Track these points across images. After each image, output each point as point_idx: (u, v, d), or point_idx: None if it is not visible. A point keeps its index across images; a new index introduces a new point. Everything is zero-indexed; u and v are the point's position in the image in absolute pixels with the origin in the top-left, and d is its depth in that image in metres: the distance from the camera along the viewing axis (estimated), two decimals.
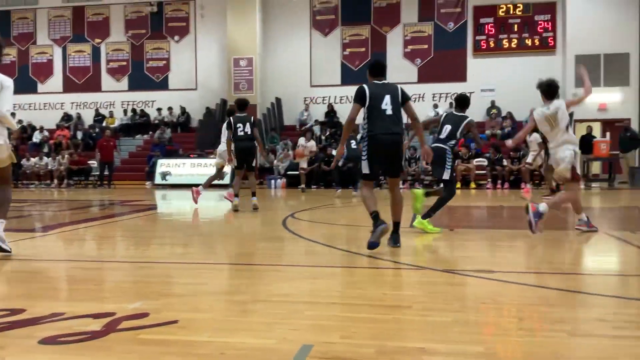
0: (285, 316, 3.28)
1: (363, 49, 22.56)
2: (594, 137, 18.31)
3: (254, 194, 10.12)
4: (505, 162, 17.58)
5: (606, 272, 4.95)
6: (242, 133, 9.87)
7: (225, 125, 10.38)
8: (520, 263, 5.32)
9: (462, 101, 7.29)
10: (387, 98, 5.48)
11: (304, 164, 17.61)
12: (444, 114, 7.41)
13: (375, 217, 5.40)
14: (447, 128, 7.01)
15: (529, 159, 15.61)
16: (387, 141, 5.48)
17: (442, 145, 7.00)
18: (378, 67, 5.75)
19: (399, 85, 5.67)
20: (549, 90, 6.71)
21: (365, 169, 5.59)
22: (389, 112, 5.47)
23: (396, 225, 5.73)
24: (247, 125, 9.91)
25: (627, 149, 18.22)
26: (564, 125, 6.53)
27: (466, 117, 7.09)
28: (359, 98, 5.52)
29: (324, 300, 3.69)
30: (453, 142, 7.08)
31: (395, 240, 5.65)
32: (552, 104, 6.62)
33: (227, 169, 12.12)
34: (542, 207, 6.28)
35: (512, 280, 4.26)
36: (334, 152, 18.82)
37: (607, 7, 20.11)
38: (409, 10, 22.26)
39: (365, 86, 5.56)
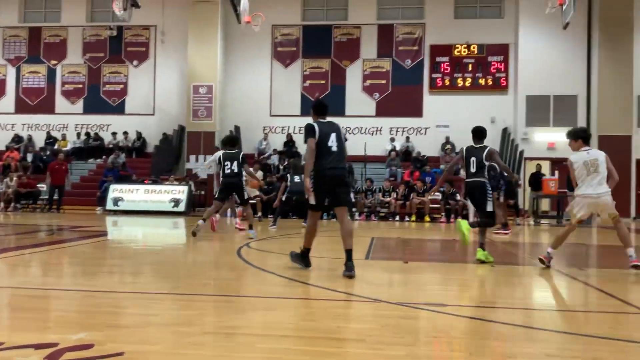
0: (236, 349, 3.21)
1: (323, 81, 22.88)
2: (543, 174, 18.92)
3: (250, 227, 10.53)
4: (458, 197, 17.93)
5: (554, 307, 5.06)
6: (229, 170, 10.18)
7: (214, 158, 10.68)
8: (471, 297, 5.39)
9: (479, 133, 7.63)
10: (333, 136, 6.00)
11: (255, 193, 17.54)
12: (464, 150, 7.64)
13: (305, 253, 6.24)
14: (474, 161, 7.31)
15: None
16: (333, 175, 5.95)
17: (480, 179, 7.26)
18: (322, 107, 6.27)
19: (340, 125, 6.23)
20: (585, 136, 7.23)
21: (312, 201, 5.99)
22: (334, 148, 5.97)
23: (348, 253, 5.90)
24: (235, 163, 10.19)
25: (572, 188, 18.86)
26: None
27: (486, 146, 7.49)
28: (312, 134, 5.96)
29: (277, 332, 3.64)
30: (485, 173, 7.35)
31: (349, 268, 5.80)
32: (590, 151, 7.10)
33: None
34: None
35: (463, 314, 4.30)
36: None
37: (557, 51, 21.06)
38: (368, 46, 22.78)
39: (314, 124, 6.04)
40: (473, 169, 7.29)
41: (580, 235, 13.31)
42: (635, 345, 3.57)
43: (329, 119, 6.23)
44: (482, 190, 7.20)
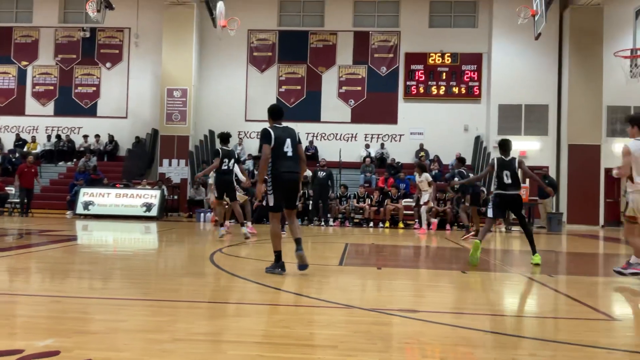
0: (207, 356, 3.17)
1: (299, 87, 22.89)
2: None
3: (242, 224, 10.71)
4: (431, 204, 18.05)
5: (524, 313, 5.12)
6: (225, 167, 10.53)
7: (216, 155, 10.79)
8: (443, 303, 5.42)
9: (505, 145, 8.17)
10: (288, 141, 6.26)
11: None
12: (494, 161, 8.13)
13: (278, 256, 6.30)
14: (508, 174, 7.84)
15: (425, 199, 15.37)
16: (290, 179, 6.23)
17: (518, 192, 7.92)
18: (279, 112, 6.48)
19: (295, 129, 6.47)
20: None
21: (271, 203, 6.31)
22: (290, 153, 6.24)
23: (298, 240, 6.33)
24: (232, 160, 10.61)
25: (545, 196, 19.16)
26: None
27: (514, 158, 8.03)
28: (268, 139, 6.17)
29: (249, 339, 3.61)
30: (519, 184, 7.93)
31: (299, 249, 6.29)
32: None
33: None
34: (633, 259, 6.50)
35: (435, 320, 4.33)
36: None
37: (529, 61, 21.44)
38: (344, 53, 22.89)
39: (270, 129, 6.25)
40: (508, 181, 7.82)
41: (550, 243, 13.53)
42: (602, 350, 3.63)
43: (289, 123, 6.57)
44: (520, 201, 7.97)
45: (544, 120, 21.57)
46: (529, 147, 21.50)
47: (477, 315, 4.78)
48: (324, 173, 17.74)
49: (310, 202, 18.08)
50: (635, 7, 13.18)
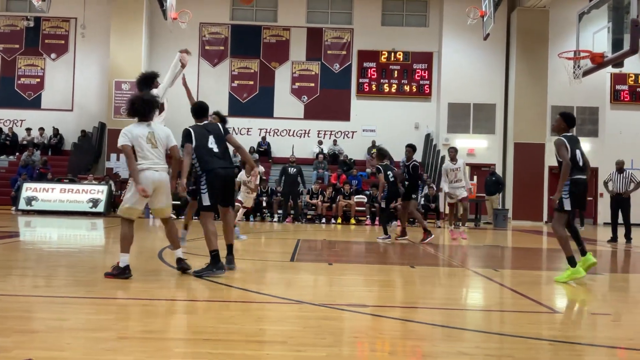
0: (153, 354, 3.11)
1: (252, 82, 22.72)
2: None
3: (185, 227, 9.93)
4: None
5: (470, 307, 5.24)
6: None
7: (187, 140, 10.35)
8: (392, 298, 5.49)
9: (572, 118, 6.62)
10: (211, 138, 6.15)
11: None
12: (566, 141, 6.38)
13: (216, 256, 5.91)
14: (579, 153, 6.37)
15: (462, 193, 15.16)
16: (223, 175, 6.10)
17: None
18: (200, 110, 6.42)
19: (219, 124, 6.41)
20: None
21: (206, 202, 6.08)
22: (216, 149, 6.12)
23: (230, 247, 6.25)
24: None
25: (491, 192, 19.72)
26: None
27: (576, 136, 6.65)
28: (189, 139, 6.09)
29: (197, 336, 3.56)
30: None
31: (230, 262, 6.18)
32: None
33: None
34: None
35: (384, 315, 4.38)
36: None
37: (478, 61, 21.95)
38: (297, 49, 22.85)
39: (190, 128, 6.18)
40: (581, 163, 6.33)
41: (496, 238, 13.90)
42: (544, 342, 3.75)
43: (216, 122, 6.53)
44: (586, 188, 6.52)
45: (492, 119, 22.14)
46: (477, 145, 22.04)
47: (425, 309, 4.87)
48: (294, 169, 17.62)
49: (264, 198, 17.99)
50: (579, 10, 13.63)
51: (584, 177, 6.33)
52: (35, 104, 22.61)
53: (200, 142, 6.08)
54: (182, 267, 5.91)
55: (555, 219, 6.39)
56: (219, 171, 6.04)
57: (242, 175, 11.62)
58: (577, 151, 6.31)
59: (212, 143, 6.12)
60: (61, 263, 7.17)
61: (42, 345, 3.23)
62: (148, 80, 7.01)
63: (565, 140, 6.28)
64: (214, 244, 5.93)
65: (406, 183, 11.33)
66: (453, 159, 12.11)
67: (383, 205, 11.43)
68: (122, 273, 5.58)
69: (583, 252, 6.37)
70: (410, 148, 11.66)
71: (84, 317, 4.14)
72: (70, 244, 10.32)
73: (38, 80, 22.69)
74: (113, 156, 21.05)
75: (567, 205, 6.23)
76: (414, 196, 11.42)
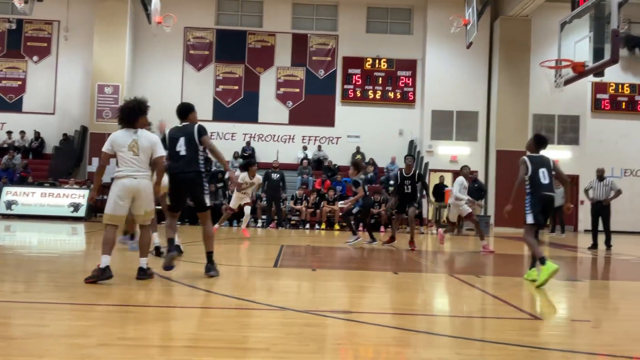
0: None
1: (236, 87, 22.67)
2: (446, 186, 19.75)
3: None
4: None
5: (452, 313, 5.27)
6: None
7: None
8: (376, 304, 5.50)
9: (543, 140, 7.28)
10: (182, 140, 6.14)
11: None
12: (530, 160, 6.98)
13: (171, 242, 6.28)
14: (544, 172, 6.91)
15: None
16: (180, 180, 6.12)
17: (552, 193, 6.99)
18: (182, 111, 6.45)
19: (196, 125, 6.23)
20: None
21: (168, 202, 6.45)
22: (183, 152, 6.12)
23: (209, 255, 6.24)
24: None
25: (474, 199, 19.82)
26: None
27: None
28: (164, 144, 6.14)
29: (179, 343, 3.53)
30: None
31: (208, 269, 6.17)
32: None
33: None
34: None
35: (367, 321, 4.38)
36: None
37: (461, 69, 22.13)
38: (282, 54, 22.86)
39: (167, 132, 6.35)
40: (546, 180, 6.85)
41: (478, 245, 13.99)
42: (524, 349, 3.78)
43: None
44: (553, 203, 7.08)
45: (474, 126, 22.33)
46: (459, 152, 22.20)
47: (408, 315, 4.88)
48: (277, 175, 17.57)
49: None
50: (561, 19, 13.84)
51: (547, 193, 6.81)
52: (17, 107, 22.33)
53: (171, 146, 6.19)
54: (140, 277, 5.85)
55: (524, 230, 6.91)
56: (176, 176, 6.16)
57: (244, 177, 11.71)
58: (541, 170, 6.81)
59: (180, 146, 6.13)
60: (41, 268, 7.09)
61: (20, 352, 3.18)
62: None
63: (527, 159, 6.89)
64: (169, 234, 6.33)
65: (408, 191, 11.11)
66: (466, 177, 12.04)
67: (354, 212, 11.62)
68: (102, 274, 5.54)
69: (532, 265, 6.90)
70: (412, 157, 11.71)
71: (63, 323, 4.09)
72: (51, 249, 10.19)
73: (20, 83, 22.42)
74: (95, 160, 20.82)
75: (530, 219, 6.78)
76: (415, 205, 11.34)
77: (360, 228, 14.41)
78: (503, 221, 21.17)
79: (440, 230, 12.23)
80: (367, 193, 11.52)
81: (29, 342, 3.41)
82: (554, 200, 7.04)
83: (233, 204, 12.28)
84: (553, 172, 6.97)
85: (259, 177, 12.56)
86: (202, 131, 6.21)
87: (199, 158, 6.16)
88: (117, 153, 5.72)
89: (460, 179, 11.80)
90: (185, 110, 6.45)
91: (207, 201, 6.21)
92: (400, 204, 11.23)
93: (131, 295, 5.32)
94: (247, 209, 12.57)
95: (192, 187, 6.18)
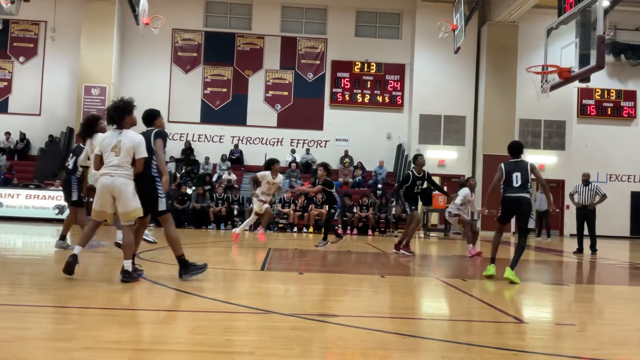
0: None
1: (224, 90, 22.62)
2: (433, 190, 19.81)
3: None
4: (355, 210, 18.36)
5: (439, 317, 5.28)
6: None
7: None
8: (362, 307, 5.50)
9: (517, 148, 8.01)
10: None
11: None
12: (504, 166, 7.78)
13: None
14: (518, 176, 7.50)
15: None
16: (136, 183, 5.91)
17: (527, 195, 7.44)
18: (144, 118, 6.38)
19: (155, 130, 6.17)
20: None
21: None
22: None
23: (179, 259, 6.06)
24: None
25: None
26: None
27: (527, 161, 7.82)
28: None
29: (163, 347, 3.50)
30: (530, 189, 7.56)
31: (182, 273, 6.04)
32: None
33: None
34: None
35: (354, 325, 4.37)
36: (189, 191, 18.41)
37: (449, 74, 22.27)
38: (271, 57, 22.86)
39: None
40: (517, 184, 7.44)
41: (465, 248, 14.04)
42: (509, 352, 3.80)
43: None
44: (530, 207, 7.55)
45: (461, 130, 22.46)
46: (447, 157, 22.31)
47: (394, 318, 4.88)
48: None
49: (236, 206, 17.89)
50: (547, 25, 13.96)
51: (512, 195, 7.41)
52: (2, 108, 22.12)
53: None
54: (125, 280, 5.78)
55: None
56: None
57: (266, 176, 11.13)
58: (515, 174, 7.43)
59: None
60: (25, 271, 7.01)
61: (4, 356, 3.14)
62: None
63: (503, 165, 7.70)
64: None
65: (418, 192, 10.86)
66: (472, 189, 11.95)
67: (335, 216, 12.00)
68: (71, 262, 5.97)
69: (492, 260, 7.60)
70: (423, 156, 11.28)
71: (47, 327, 4.04)
72: (35, 251, 10.08)
73: (5, 83, 22.22)
74: None
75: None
76: (413, 207, 10.81)
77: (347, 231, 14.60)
78: (490, 225, 21.32)
79: (470, 246, 11.63)
80: (336, 195, 11.91)
81: (12, 346, 3.36)
82: (521, 202, 7.36)
83: (257, 207, 11.55)
84: (532, 176, 7.44)
85: (281, 177, 11.71)
86: (157, 135, 6.11)
87: (152, 162, 6.00)
88: (102, 152, 5.93)
89: (465, 190, 11.58)
90: (149, 117, 6.38)
91: (161, 205, 6.04)
92: (412, 204, 10.64)
93: (115, 298, 5.27)
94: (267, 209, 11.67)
95: (143, 191, 5.94)
